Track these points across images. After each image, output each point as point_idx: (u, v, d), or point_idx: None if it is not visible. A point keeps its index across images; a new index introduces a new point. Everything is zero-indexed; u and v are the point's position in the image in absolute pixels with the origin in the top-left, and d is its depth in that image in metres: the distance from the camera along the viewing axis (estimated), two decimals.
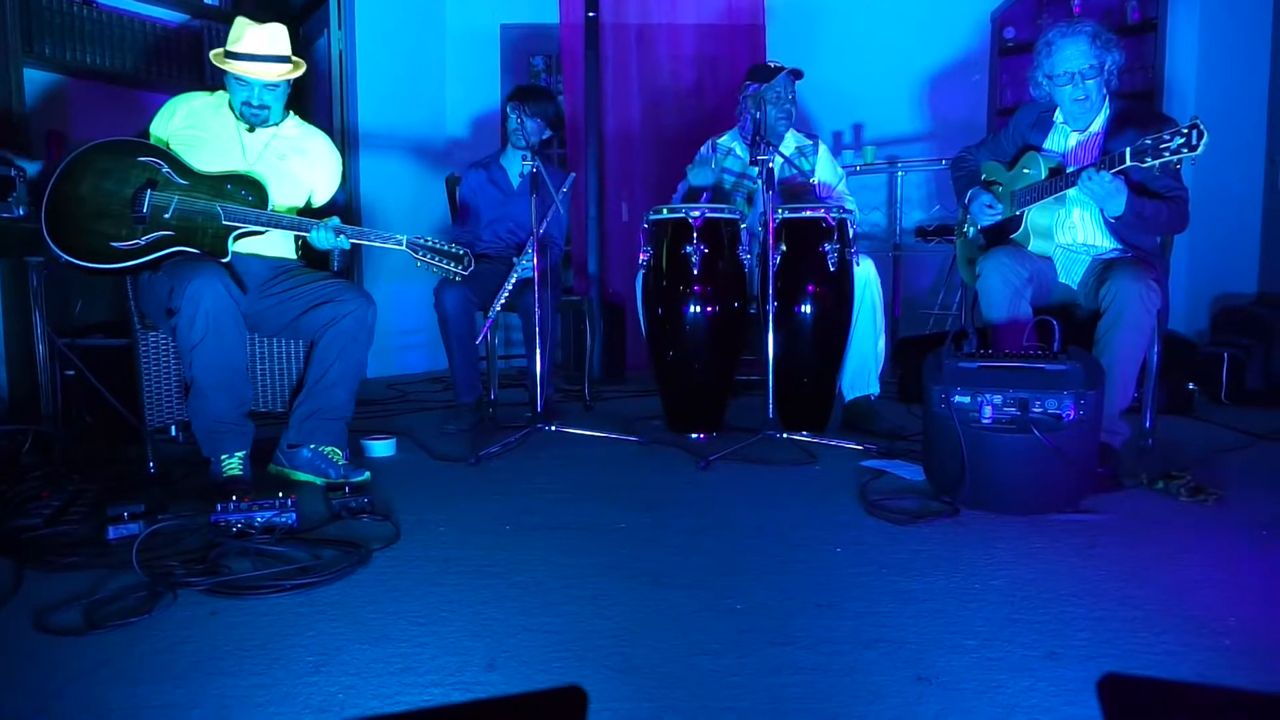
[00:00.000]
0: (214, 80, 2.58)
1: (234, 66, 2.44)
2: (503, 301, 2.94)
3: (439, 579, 1.66)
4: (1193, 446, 2.81)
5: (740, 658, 1.31)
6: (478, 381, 3.33)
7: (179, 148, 2.47)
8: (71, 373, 2.78)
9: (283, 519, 1.92)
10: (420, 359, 5.21)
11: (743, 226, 3.18)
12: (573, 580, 1.65)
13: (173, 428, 2.91)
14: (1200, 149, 2.13)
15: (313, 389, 2.48)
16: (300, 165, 2.63)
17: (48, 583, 1.63)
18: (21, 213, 2.81)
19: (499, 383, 3.61)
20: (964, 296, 3.32)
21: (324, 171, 2.69)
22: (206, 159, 2.46)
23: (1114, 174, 2.32)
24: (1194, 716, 1.18)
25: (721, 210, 3.05)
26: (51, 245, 2.26)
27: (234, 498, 1.94)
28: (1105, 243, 2.61)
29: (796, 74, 3.26)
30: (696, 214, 2.97)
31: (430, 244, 2.53)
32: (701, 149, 3.49)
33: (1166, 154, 2.17)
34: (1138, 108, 2.72)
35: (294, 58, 2.52)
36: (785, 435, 2.78)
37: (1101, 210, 2.50)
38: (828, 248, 2.94)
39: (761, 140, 2.76)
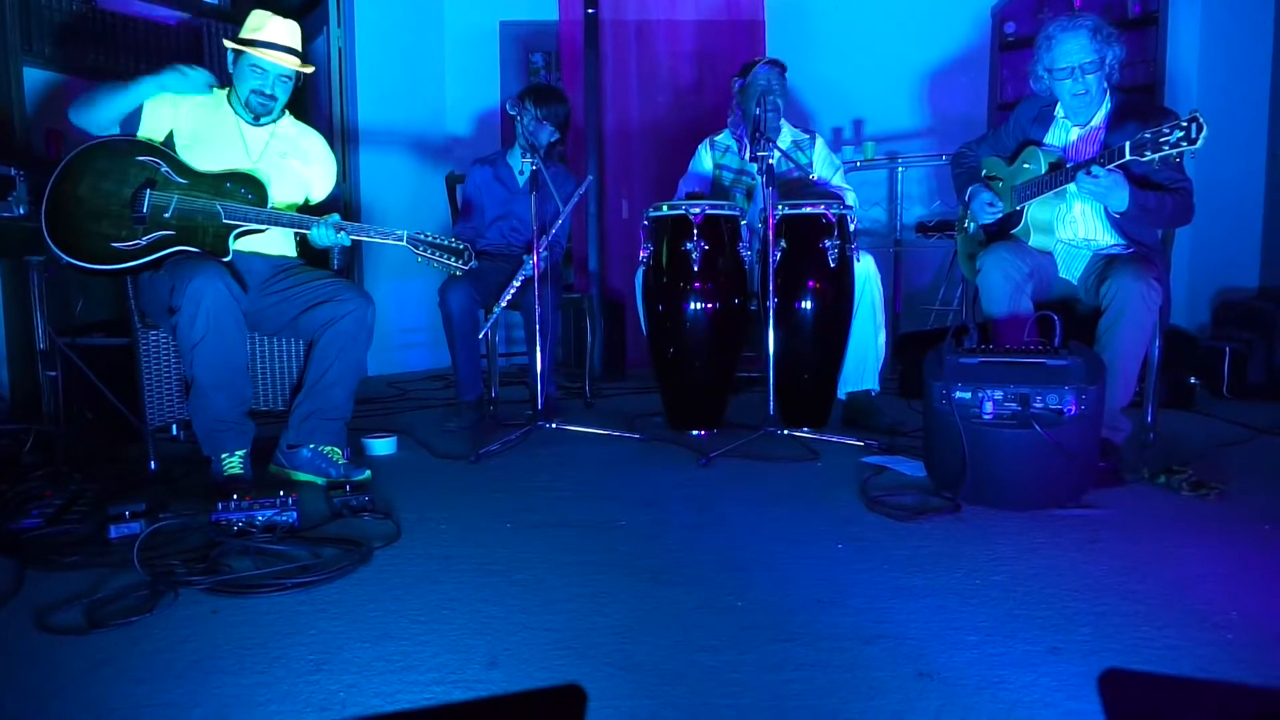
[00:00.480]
0: (219, 79, 2.58)
1: (255, 52, 2.45)
2: (508, 299, 2.94)
3: (440, 577, 1.66)
4: (1194, 441, 2.81)
5: (741, 654, 1.31)
6: (480, 380, 3.33)
7: (181, 145, 2.46)
8: (54, 373, 2.75)
9: (283, 517, 1.92)
10: (421, 357, 5.20)
11: (743, 223, 3.17)
12: (573, 577, 1.65)
13: (174, 426, 2.91)
14: (1200, 142, 2.11)
15: (312, 389, 2.48)
16: (299, 164, 2.64)
17: (49, 582, 1.63)
18: (22, 212, 2.80)
19: (499, 380, 3.61)
20: (965, 292, 3.31)
21: (321, 170, 2.70)
22: (209, 157, 2.46)
23: (1110, 169, 2.32)
24: (1196, 711, 1.18)
25: (721, 207, 3.04)
26: (53, 247, 2.26)
27: (235, 496, 1.94)
28: (1106, 238, 2.60)
29: (775, 64, 3.24)
30: (696, 210, 2.96)
31: (430, 239, 2.53)
32: (700, 148, 3.48)
33: (1166, 148, 2.16)
34: (1139, 101, 2.70)
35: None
36: (786, 432, 2.78)
37: (1105, 207, 2.49)
38: (828, 244, 2.94)
39: (761, 136, 2.75)
